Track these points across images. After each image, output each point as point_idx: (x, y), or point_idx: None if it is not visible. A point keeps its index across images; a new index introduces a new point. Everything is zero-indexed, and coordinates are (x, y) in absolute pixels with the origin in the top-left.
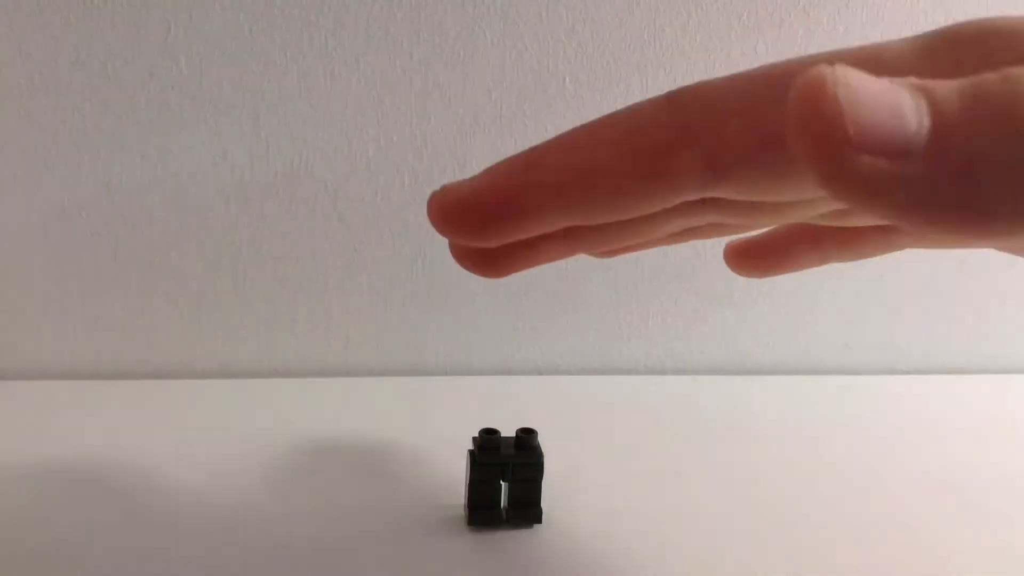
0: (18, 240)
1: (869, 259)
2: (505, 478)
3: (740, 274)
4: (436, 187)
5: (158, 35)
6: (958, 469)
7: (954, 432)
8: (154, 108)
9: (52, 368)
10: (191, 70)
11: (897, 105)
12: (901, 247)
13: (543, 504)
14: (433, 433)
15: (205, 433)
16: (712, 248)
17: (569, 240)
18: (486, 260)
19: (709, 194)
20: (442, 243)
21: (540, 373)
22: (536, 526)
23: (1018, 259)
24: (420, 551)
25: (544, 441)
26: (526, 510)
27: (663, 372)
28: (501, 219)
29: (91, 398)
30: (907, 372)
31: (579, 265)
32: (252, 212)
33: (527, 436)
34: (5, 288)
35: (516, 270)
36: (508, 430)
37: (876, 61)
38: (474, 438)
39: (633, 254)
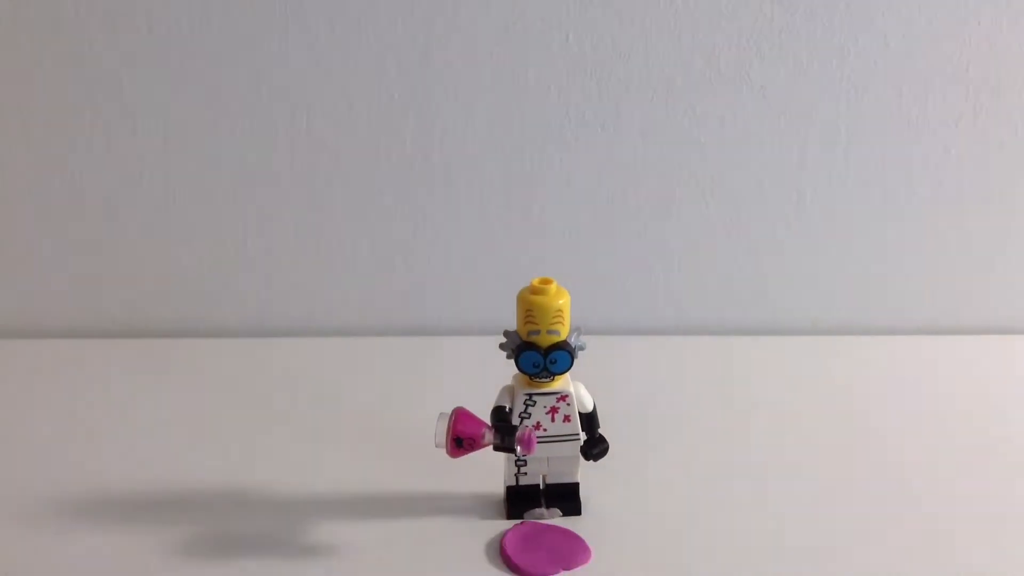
0: (17, 201)
1: (873, 218)
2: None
3: None
4: (438, 148)
5: None
6: (963, 425)
7: (957, 390)
8: (154, 66)
9: (53, 327)
10: (192, 28)
11: None
12: None
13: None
14: (441, 393)
15: (201, 395)
16: (717, 209)
17: None
18: None
19: None
20: (444, 205)
21: None
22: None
23: (1018, 223)
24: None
25: None
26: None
27: (668, 332)
28: None
29: (96, 356)
30: (909, 332)
31: (584, 224)
32: (252, 171)
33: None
34: (4, 251)
35: None
36: None
37: None
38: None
39: (637, 213)
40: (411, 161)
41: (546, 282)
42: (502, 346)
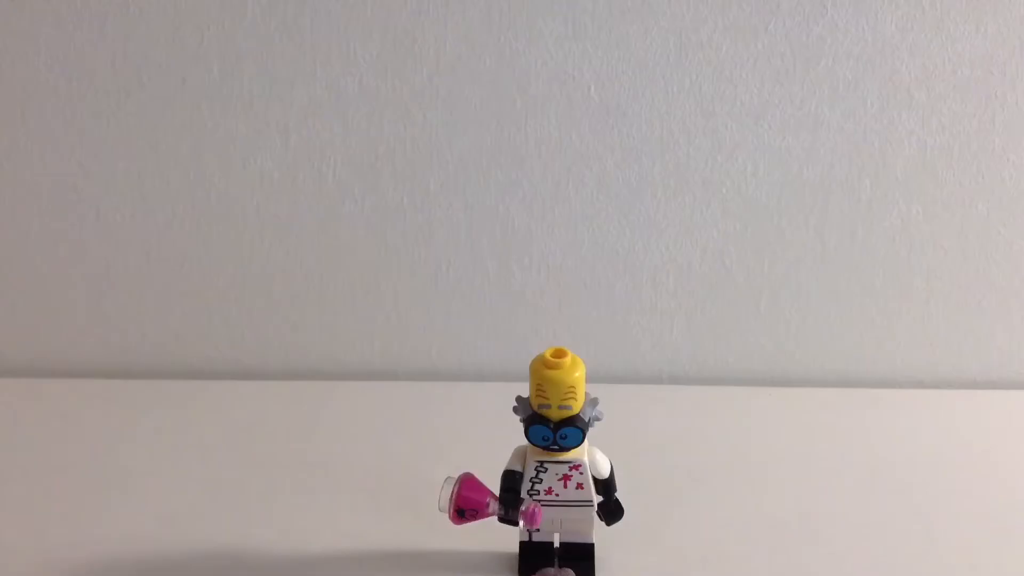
0: (51, 243)
1: (899, 271)
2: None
3: None
4: (461, 194)
5: (191, 43)
6: (988, 481)
7: (983, 445)
8: (186, 114)
9: (80, 367)
10: (223, 77)
11: None
12: None
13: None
14: (462, 439)
15: (225, 436)
16: (738, 258)
17: None
18: None
19: None
20: (468, 250)
21: None
22: None
23: None
24: None
25: None
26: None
27: (687, 382)
28: None
29: (115, 396)
30: (935, 386)
31: (603, 272)
32: (280, 216)
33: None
34: (38, 290)
35: None
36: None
37: None
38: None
39: (659, 262)
40: (433, 209)
41: (560, 354)
42: (515, 410)
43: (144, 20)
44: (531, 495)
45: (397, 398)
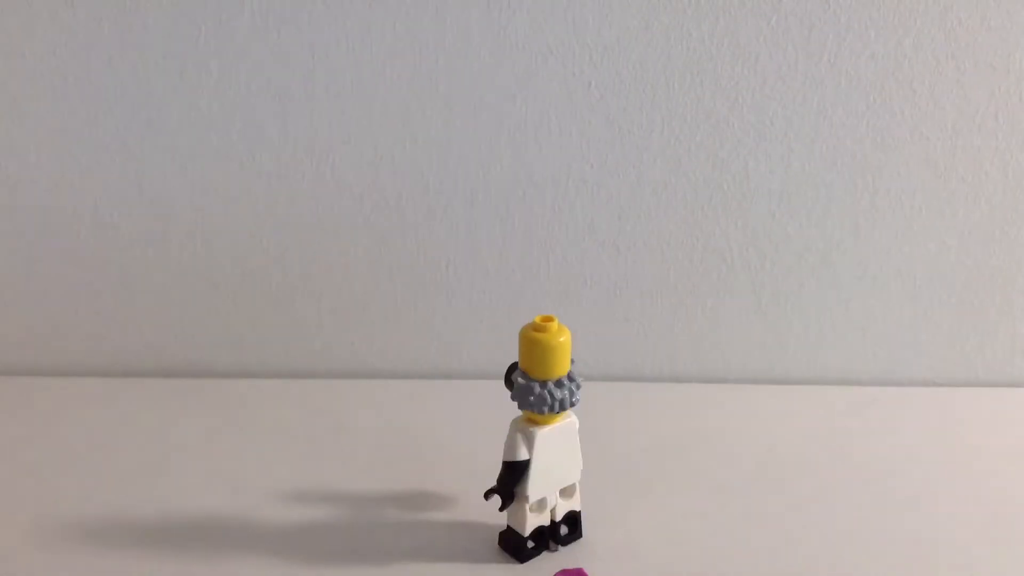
0: (50, 239)
1: (901, 269)
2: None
3: None
4: (461, 191)
5: (188, 38)
6: (989, 480)
7: (984, 443)
8: (184, 110)
9: (83, 365)
10: (221, 73)
11: None
12: None
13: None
14: (462, 437)
15: (226, 434)
16: (739, 255)
17: None
18: None
19: None
20: (469, 248)
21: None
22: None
23: None
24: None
25: None
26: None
27: (688, 380)
28: None
29: (115, 396)
30: (936, 384)
31: (604, 270)
32: (278, 214)
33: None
34: (37, 288)
35: None
36: None
37: None
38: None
39: (660, 260)
40: (433, 207)
41: (549, 319)
42: (565, 396)
43: (141, 15)
44: None
45: (396, 398)
